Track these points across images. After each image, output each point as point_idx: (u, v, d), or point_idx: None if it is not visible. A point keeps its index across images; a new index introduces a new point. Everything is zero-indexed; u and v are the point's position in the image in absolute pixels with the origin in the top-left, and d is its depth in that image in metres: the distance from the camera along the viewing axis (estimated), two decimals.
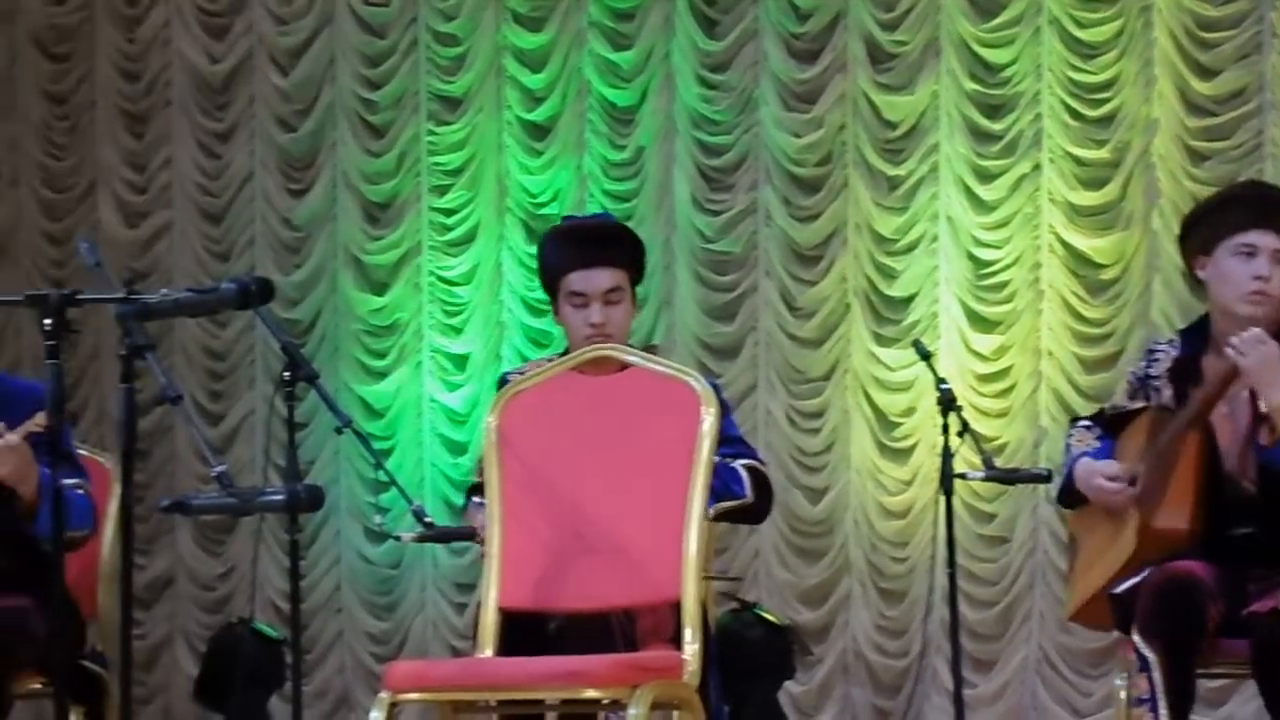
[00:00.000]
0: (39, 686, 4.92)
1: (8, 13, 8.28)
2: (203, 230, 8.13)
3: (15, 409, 4.79)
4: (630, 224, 7.59)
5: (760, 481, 4.60)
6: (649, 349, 4.72)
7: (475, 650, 4.22)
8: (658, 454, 4.21)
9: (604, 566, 4.21)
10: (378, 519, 7.75)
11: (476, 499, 4.76)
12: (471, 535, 4.58)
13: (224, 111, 8.12)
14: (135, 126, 8.20)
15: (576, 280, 4.64)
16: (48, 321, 4.07)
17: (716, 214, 7.65)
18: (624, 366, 4.36)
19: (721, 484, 4.43)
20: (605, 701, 4.04)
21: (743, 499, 4.57)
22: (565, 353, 4.70)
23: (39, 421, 4.44)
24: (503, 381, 4.78)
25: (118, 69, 8.21)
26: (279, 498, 4.15)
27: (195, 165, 8.13)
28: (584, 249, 4.66)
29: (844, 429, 7.49)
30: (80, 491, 4.82)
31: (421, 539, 4.53)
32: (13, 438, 4.64)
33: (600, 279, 4.64)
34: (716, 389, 4.28)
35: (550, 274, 4.70)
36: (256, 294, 4.24)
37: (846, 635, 7.46)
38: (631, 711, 3.89)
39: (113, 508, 5.14)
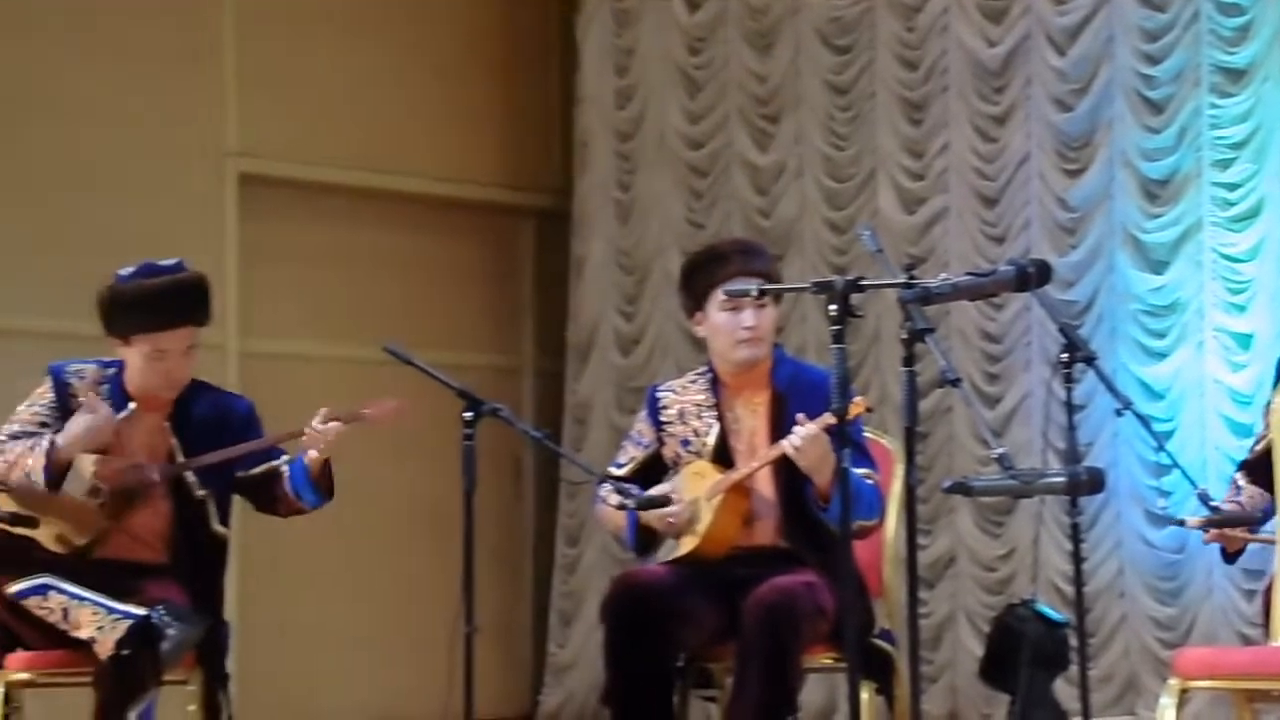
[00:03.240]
0: (830, 662, 5.10)
1: (792, 8, 8.60)
2: (978, 214, 8.18)
3: (816, 400, 4.99)
4: None
5: None
6: None
7: (1267, 639, 4.09)
8: None
9: None
10: (1160, 503, 7.60)
11: (1238, 476, 4.61)
12: (1256, 520, 4.42)
13: (1000, 94, 8.15)
14: (913, 114, 8.34)
15: None
16: (833, 307, 4.22)
17: None
18: None
19: None
20: None
21: None
22: None
23: (829, 418, 4.60)
24: None
25: (897, 57, 8.38)
26: (1059, 480, 4.15)
27: (971, 149, 8.20)
28: None
29: None
30: (869, 482, 4.97)
31: (1206, 524, 4.41)
32: (813, 428, 4.84)
33: None
34: None
35: None
36: (1034, 276, 4.25)
37: None
38: None
39: (896, 488, 5.26)
